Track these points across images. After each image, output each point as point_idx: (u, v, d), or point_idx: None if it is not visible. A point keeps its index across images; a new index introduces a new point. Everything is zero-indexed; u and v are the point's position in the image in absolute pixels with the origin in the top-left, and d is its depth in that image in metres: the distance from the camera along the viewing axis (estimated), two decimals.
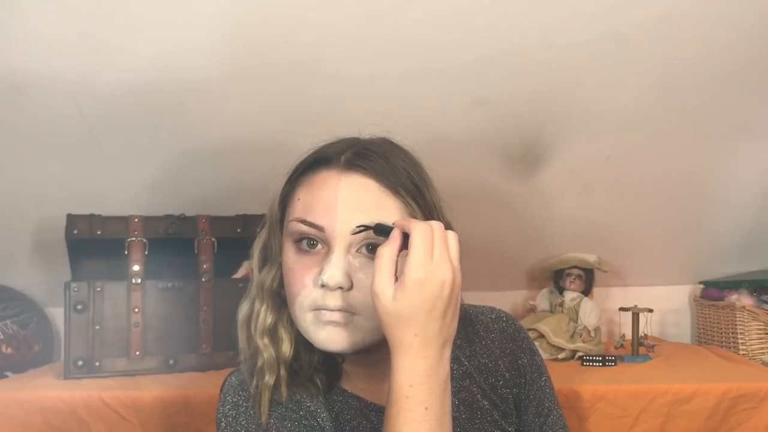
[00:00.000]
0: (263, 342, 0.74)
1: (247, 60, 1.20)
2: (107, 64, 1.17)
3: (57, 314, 1.56)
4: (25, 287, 1.56)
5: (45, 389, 1.21)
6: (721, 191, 1.56)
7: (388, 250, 0.62)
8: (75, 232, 1.33)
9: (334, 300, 0.67)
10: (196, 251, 1.39)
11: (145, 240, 1.35)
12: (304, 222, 0.69)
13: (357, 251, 0.69)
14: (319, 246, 0.70)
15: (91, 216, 1.35)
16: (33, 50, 1.14)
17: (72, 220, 1.34)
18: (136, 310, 1.33)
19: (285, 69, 1.22)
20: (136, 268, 1.34)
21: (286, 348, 0.74)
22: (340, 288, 0.67)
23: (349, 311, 0.68)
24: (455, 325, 0.64)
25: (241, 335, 0.76)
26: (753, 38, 1.23)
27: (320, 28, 1.15)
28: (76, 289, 1.30)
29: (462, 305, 0.81)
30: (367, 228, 0.67)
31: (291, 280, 0.71)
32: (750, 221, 1.63)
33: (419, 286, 0.60)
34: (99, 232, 1.34)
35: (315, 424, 0.74)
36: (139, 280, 1.34)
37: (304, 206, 0.70)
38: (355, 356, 0.73)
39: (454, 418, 0.77)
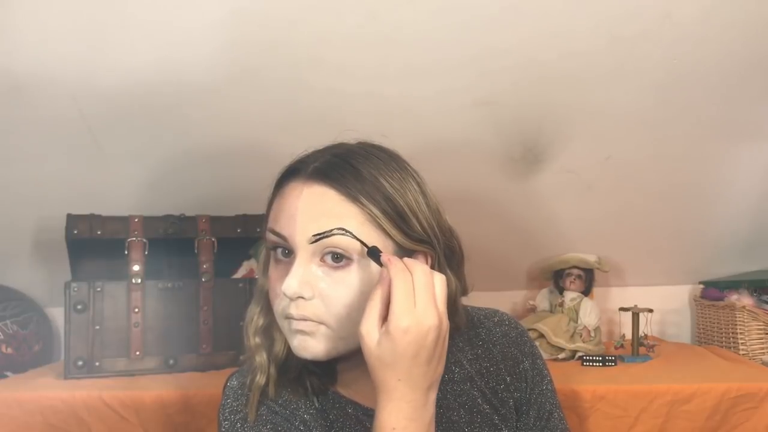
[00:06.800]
0: (255, 341, 0.76)
1: (247, 60, 1.20)
2: (107, 65, 1.17)
3: (57, 314, 1.56)
4: (25, 287, 1.56)
5: (45, 389, 1.21)
6: (721, 191, 1.56)
7: (379, 292, 0.62)
8: (75, 232, 1.33)
9: (297, 309, 0.68)
10: (196, 251, 1.39)
11: (145, 240, 1.35)
12: (272, 231, 0.71)
13: (321, 260, 0.68)
14: (292, 255, 0.70)
15: (91, 216, 1.35)
16: (33, 51, 1.14)
17: (72, 220, 1.34)
18: (136, 310, 1.33)
19: (285, 69, 1.22)
20: (136, 268, 1.34)
21: (279, 348, 0.75)
22: (302, 297, 0.67)
23: (313, 320, 0.68)
24: (441, 367, 0.65)
25: (245, 336, 0.77)
26: (752, 39, 1.23)
27: (320, 28, 1.15)
28: (76, 289, 1.30)
29: (465, 308, 0.82)
30: (323, 236, 0.67)
31: (270, 289, 0.72)
32: (750, 221, 1.63)
33: (403, 334, 0.60)
34: (99, 232, 1.34)
35: (303, 429, 0.75)
36: (139, 280, 1.34)
37: (274, 215, 0.71)
38: (345, 358, 0.73)
39: (454, 422, 0.77)
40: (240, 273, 1.46)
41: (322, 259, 0.68)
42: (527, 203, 1.53)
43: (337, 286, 0.68)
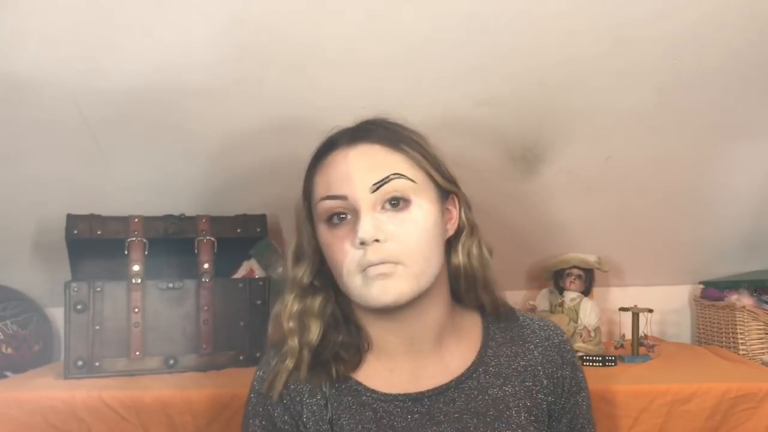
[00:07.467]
0: (289, 327, 0.81)
1: (247, 60, 1.20)
2: (107, 65, 1.17)
3: (57, 314, 1.56)
4: (25, 287, 1.56)
5: (45, 389, 1.20)
6: (721, 191, 1.56)
7: None
8: (75, 232, 1.33)
9: (375, 253, 0.73)
10: (196, 251, 1.39)
11: (145, 240, 1.35)
12: (328, 197, 0.76)
13: (382, 208, 0.75)
14: (348, 216, 0.75)
15: (91, 216, 1.35)
16: (33, 51, 1.14)
17: (72, 220, 1.34)
18: (136, 310, 1.33)
19: (284, 69, 1.22)
20: (136, 268, 1.34)
21: (313, 335, 0.80)
22: (377, 241, 0.73)
23: (391, 261, 0.73)
24: None
25: (274, 324, 0.84)
26: (752, 38, 1.23)
27: (320, 29, 1.15)
28: (76, 289, 1.30)
29: (513, 308, 0.88)
30: (383, 183, 0.74)
31: (333, 254, 0.76)
32: (750, 221, 1.63)
33: None
34: (99, 232, 1.34)
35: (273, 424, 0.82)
36: (139, 280, 1.34)
37: (324, 185, 0.77)
38: (394, 324, 0.80)
39: (481, 414, 0.78)
40: (240, 273, 1.45)
41: (383, 207, 0.75)
42: (527, 203, 1.53)
43: (403, 225, 0.74)
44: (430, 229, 0.76)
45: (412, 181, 0.75)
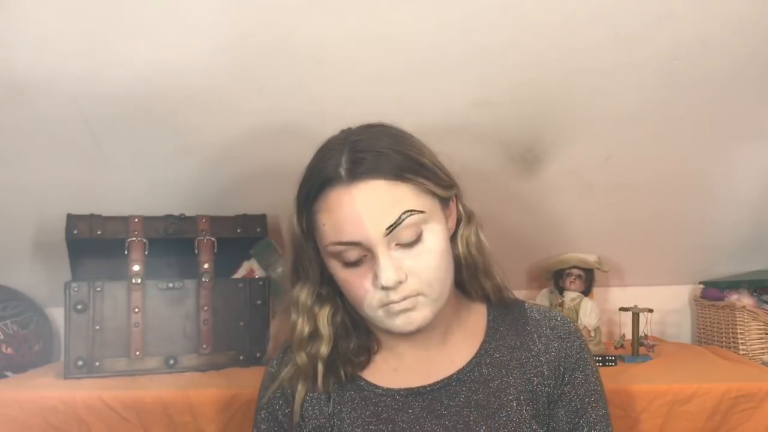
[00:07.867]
0: (299, 354, 0.81)
1: (247, 61, 1.20)
2: (107, 65, 1.17)
3: (57, 314, 1.56)
4: (25, 287, 1.56)
5: (45, 389, 1.21)
6: (722, 191, 1.55)
7: None
8: (75, 232, 1.33)
9: (397, 294, 0.73)
10: (196, 251, 1.39)
11: (145, 240, 1.35)
12: (340, 244, 0.73)
13: (396, 245, 0.73)
14: (365, 255, 0.74)
15: (91, 216, 1.35)
16: (33, 51, 1.14)
17: (72, 220, 1.34)
18: (136, 310, 1.33)
19: (284, 70, 1.22)
20: (136, 268, 1.34)
21: (325, 348, 0.81)
22: (400, 282, 0.73)
23: (412, 296, 0.74)
24: None
25: (274, 327, 0.87)
26: (753, 38, 1.23)
27: (319, 29, 1.15)
28: (76, 289, 1.30)
29: (521, 300, 0.89)
30: (396, 225, 0.71)
31: (352, 290, 0.76)
32: (750, 221, 1.63)
33: None
34: (99, 232, 1.35)
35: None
36: (139, 280, 1.34)
37: (333, 230, 0.73)
38: (389, 347, 0.83)
39: (482, 407, 0.79)
40: (240, 273, 1.46)
41: (397, 244, 0.73)
42: (527, 203, 1.53)
43: (419, 258, 0.74)
44: (443, 249, 0.75)
45: (422, 212, 0.73)
